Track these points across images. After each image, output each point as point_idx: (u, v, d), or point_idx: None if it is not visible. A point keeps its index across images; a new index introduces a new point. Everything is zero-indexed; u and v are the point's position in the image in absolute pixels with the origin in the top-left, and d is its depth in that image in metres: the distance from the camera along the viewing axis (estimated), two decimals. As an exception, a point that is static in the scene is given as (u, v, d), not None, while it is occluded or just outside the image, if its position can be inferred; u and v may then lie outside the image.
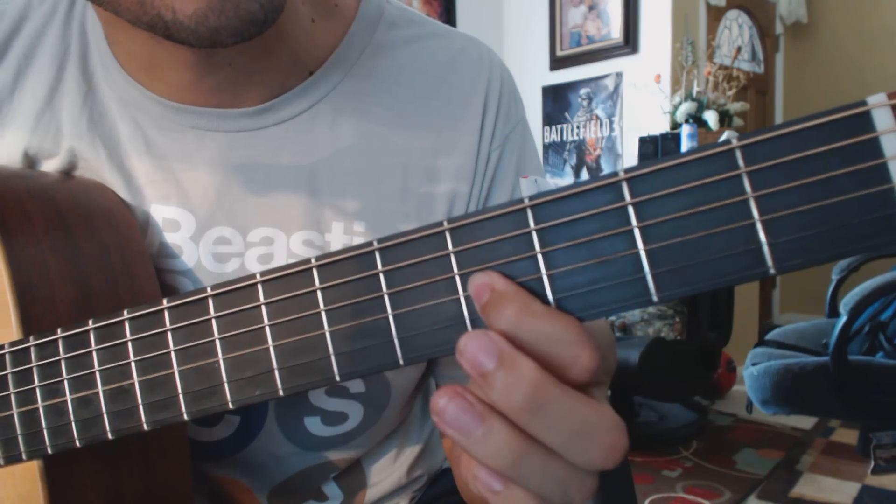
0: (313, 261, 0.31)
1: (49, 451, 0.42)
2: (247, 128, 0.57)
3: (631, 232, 0.25)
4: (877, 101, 0.21)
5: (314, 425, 0.61)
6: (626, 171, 0.25)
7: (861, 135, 0.22)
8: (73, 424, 0.40)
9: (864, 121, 0.22)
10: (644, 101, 3.59)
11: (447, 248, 0.29)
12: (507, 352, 0.27)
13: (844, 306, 1.87)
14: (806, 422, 3.06)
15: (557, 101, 4.07)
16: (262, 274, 0.33)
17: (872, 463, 1.92)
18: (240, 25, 0.44)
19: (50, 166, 0.57)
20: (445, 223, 0.29)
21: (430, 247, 0.29)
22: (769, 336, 2.33)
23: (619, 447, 0.27)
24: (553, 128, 4.10)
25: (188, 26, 0.43)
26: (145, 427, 0.38)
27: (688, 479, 2.55)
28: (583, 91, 3.96)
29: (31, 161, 0.57)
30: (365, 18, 0.61)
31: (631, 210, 0.25)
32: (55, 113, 0.57)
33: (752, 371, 2.04)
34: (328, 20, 0.60)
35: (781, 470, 2.62)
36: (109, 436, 0.40)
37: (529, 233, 0.27)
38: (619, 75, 3.78)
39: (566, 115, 4.04)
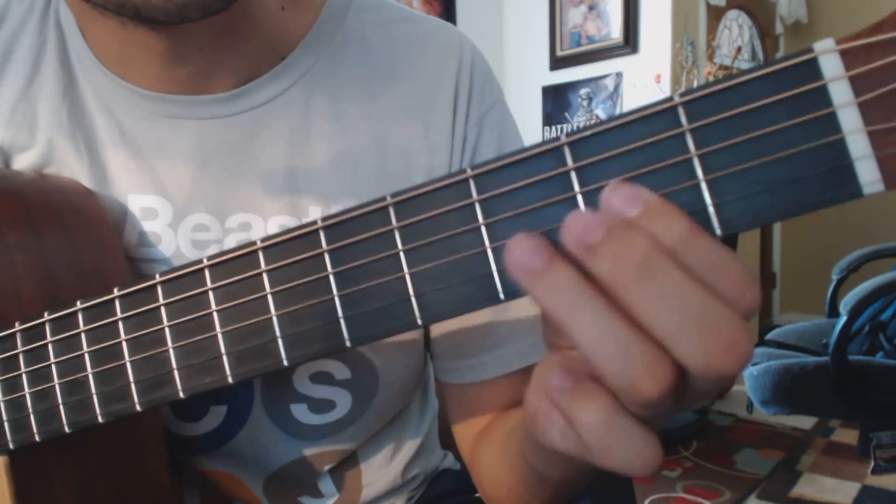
0: (258, 242, 0.30)
1: (10, 445, 0.41)
2: (220, 114, 0.56)
3: (574, 198, 0.24)
4: (824, 47, 0.20)
5: (301, 413, 0.60)
6: (569, 134, 0.23)
7: (808, 83, 0.20)
8: (32, 417, 0.40)
9: (811, 69, 0.20)
10: (644, 101, 3.57)
11: (391, 223, 0.27)
12: (618, 225, 0.24)
13: (844, 306, 1.86)
14: (806, 422, 3.05)
15: (557, 101, 4.07)
16: (209, 258, 0.32)
17: (872, 463, 1.90)
18: (206, 0, 0.44)
19: (25, 159, 0.57)
20: (389, 198, 0.27)
21: (374, 223, 0.28)
22: (769, 336, 2.32)
23: (743, 348, 0.23)
24: (553, 128, 4.09)
25: (156, 4, 0.43)
26: (100, 419, 0.38)
27: (688, 479, 2.54)
28: (583, 91, 3.95)
29: (5, 156, 0.57)
30: (335, 4, 0.61)
31: (573, 175, 0.24)
32: (30, 104, 0.57)
33: (752, 371, 2.03)
34: (298, 7, 0.60)
35: (781, 470, 2.60)
36: (66, 429, 0.39)
37: (473, 204, 0.26)
38: (619, 75, 3.77)
39: (566, 115, 4.03)
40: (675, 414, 0.27)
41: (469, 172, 0.26)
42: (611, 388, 0.25)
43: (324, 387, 0.60)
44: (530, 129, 4.05)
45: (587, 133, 0.23)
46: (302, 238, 0.29)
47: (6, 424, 0.41)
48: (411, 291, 0.27)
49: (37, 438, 0.40)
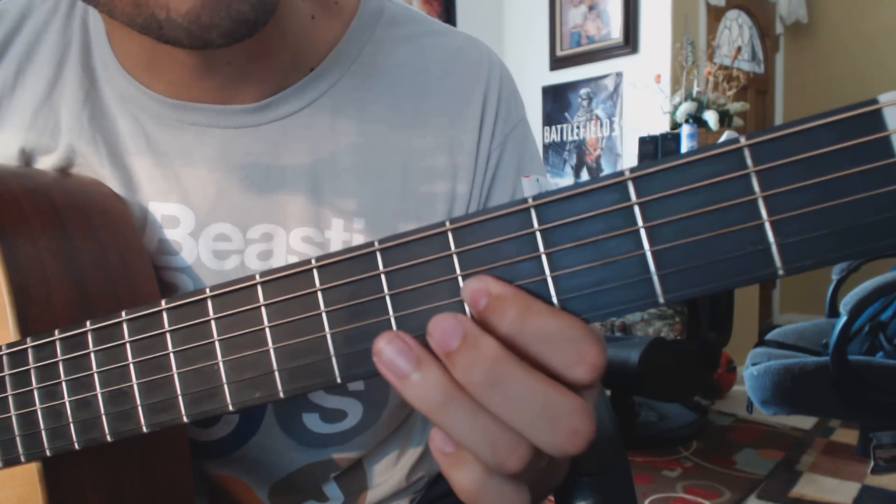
0: (314, 261, 0.31)
1: (48, 453, 0.41)
2: (247, 124, 0.57)
3: (637, 232, 0.25)
4: (888, 100, 0.21)
5: (313, 422, 0.61)
6: (632, 170, 0.24)
7: (872, 134, 0.21)
8: (72, 426, 0.40)
9: (875, 119, 0.21)
10: (644, 101, 3.59)
11: (450, 248, 0.28)
12: (471, 331, 0.27)
13: (844, 306, 1.87)
14: (806, 422, 3.06)
15: (557, 101, 4.07)
16: (262, 275, 0.32)
17: (872, 463, 1.91)
18: (231, 26, 0.44)
19: (47, 162, 0.57)
20: (448, 223, 0.28)
21: (432, 247, 0.29)
22: (769, 336, 2.33)
23: (583, 432, 0.26)
24: (553, 128, 4.10)
25: (181, 25, 0.43)
26: (144, 429, 0.38)
27: (688, 479, 2.55)
28: (583, 91, 3.95)
29: (27, 158, 0.57)
30: (365, 16, 0.61)
31: (637, 210, 0.25)
32: (53, 108, 0.57)
33: (752, 371, 2.04)
34: (328, 18, 0.60)
35: (781, 470, 2.62)
36: (108, 438, 0.39)
37: (533, 233, 0.27)
38: (619, 75, 3.78)
39: (566, 115, 4.04)
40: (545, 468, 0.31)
41: (531, 202, 0.26)
42: (482, 464, 0.29)
43: (336, 397, 0.60)
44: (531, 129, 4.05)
45: (652, 169, 0.24)
46: (358, 259, 0.30)
47: (44, 433, 0.41)
48: (468, 316, 0.28)
49: (77, 447, 0.41)
